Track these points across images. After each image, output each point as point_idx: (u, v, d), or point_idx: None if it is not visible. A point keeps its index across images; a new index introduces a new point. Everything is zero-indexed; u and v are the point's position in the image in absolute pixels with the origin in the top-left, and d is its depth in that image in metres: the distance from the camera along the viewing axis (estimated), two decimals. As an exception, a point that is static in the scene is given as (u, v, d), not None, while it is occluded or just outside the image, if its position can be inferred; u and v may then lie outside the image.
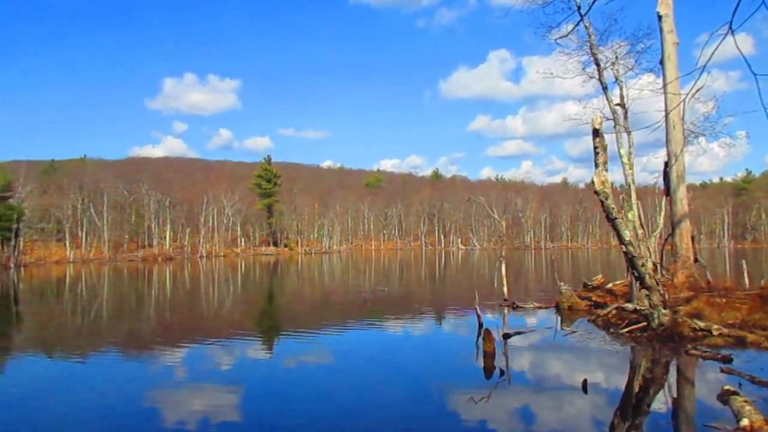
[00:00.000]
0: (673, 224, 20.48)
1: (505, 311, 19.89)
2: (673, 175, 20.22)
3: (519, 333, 14.76)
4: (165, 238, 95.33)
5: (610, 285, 22.35)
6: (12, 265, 64.38)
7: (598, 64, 21.52)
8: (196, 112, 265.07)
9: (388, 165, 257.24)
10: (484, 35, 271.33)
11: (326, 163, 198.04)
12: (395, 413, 8.90)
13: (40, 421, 8.83)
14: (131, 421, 8.76)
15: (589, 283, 23.99)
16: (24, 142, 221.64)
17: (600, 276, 25.27)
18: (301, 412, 9.00)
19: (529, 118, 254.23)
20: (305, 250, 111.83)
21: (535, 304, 20.87)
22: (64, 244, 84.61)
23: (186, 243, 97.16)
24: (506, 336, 14.02)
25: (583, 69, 22.52)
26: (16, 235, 66.82)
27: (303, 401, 9.69)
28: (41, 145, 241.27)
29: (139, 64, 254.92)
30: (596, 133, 13.19)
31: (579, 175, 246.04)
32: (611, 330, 15.19)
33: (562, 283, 20.98)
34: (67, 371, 12.84)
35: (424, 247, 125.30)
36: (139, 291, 35.82)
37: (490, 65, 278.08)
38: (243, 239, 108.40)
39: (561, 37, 21.33)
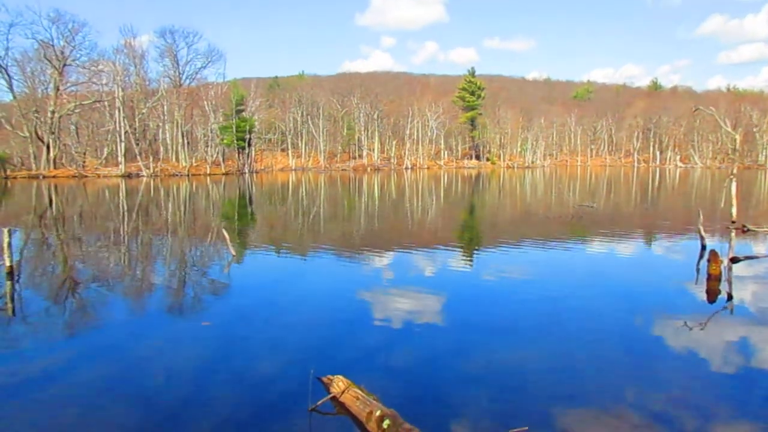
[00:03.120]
0: None
1: (733, 234, 17.85)
2: None
3: (751, 258, 13.24)
4: (373, 149, 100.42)
5: None
6: (246, 170, 73.62)
7: None
8: (404, 26, 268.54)
9: (599, 75, 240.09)
10: None
11: (531, 75, 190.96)
12: (598, 332, 8.63)
13: (271, 304, 10.47)
14: (343, 314, 9.73)
15: None
16: (253, 61, 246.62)
17: None
18: (501, 319, 9.18)
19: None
20: (507, 164, 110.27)
21: (772, 228, 18.41)
22: (287, 154, 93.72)
23: (392, 154, 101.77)
24: (734, 260, 12.66)
25: None
26: (249, 145, 75.57)
27: (502, 309, 9.84)
28: (267, 63, 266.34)
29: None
30: None
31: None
32: None
33: (808, 208, 18.12)
34: (290, 265, 14.61)
35: (636, 164, 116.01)
36: (350, 198, 38.56)
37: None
38: (446, 152, 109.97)
39: None
